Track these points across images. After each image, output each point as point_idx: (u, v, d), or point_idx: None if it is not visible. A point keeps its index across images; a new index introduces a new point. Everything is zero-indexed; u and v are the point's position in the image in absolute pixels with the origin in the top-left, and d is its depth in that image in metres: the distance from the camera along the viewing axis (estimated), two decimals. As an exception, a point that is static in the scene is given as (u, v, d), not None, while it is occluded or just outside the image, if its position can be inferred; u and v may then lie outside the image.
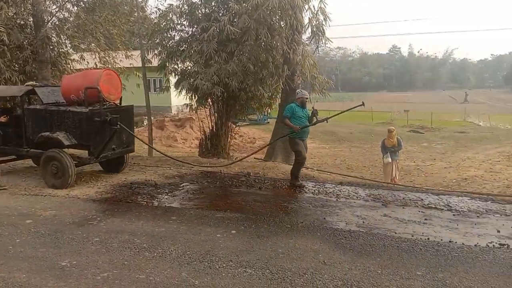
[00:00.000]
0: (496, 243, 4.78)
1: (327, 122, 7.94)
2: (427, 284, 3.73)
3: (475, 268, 4.09)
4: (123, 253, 4.48)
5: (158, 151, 9.65)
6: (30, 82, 9.19)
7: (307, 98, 7.66)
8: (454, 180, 11.41)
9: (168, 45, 10.64)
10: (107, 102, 7.44)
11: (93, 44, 15.23)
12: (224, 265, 4.15)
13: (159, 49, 10.74)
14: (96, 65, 15.81)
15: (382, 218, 5.75)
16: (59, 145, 7.27)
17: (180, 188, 7.46)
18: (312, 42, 10.05)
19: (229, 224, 5.38)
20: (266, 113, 25.43)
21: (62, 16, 14.21)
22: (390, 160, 10.51)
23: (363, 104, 7.94)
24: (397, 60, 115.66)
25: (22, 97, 7.94)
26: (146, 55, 12.74)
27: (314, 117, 7.59)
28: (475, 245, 4.70)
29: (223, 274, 3.96)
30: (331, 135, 23.72)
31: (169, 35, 10.70)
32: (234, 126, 12.90)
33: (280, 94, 11.16)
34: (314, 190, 7.35)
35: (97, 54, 15.41)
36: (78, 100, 7.42)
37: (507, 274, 3.97)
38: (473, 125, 31.60)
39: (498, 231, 5.18)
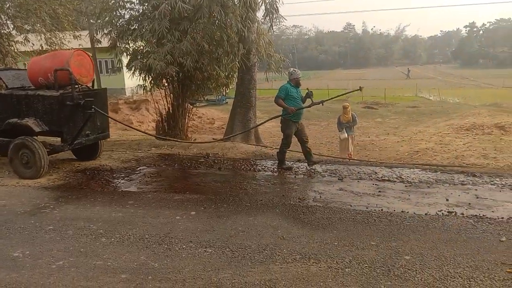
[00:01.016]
0: (445, 211, 5.04)
1: (322, 104, 7.77)
2: (381, 253, 3.90)
3: (426, 236, 4.30)
4: (79, 240, 4.36)
5: (147, 134, 9.12)
6: None
7: (300, 77, 7.42)
8: (406, 153, 11.88)
9: (118, 24, 10.20)
10: (79, 85, 6.99)
11: (38, 25, 14.38)
12: (184, 246, 4.14)
13: (109, 29, 10.29)
14: (42, 47, 14.99)
15: (338, 192, 5.91)
16: (29, 132, 6.78)
17: (137, 172, 7.30)
18: (266, 20, 9.97)
19: (188, 206, 5.35)
20: (224, 93, 25.27)
21: (1, -6, 13.27)
22: (346, 135, 10.76)
23: (360, 89, 7.92)
24: (351, 38, 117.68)
25: None
26: (95, 35, 12.18)
27: (309, 99, 7.36)
28: (425, 214, 4.94)
29: (183, 255, 3.95)
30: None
31: (118, 14, 10.26)
32: (191, 107, 12.69)
33: (236, 74, 11.06)
34: (273, 168, 7.42)
35: (42, 35, 14.59)
36: (47, 84, 6.96)
37: (454, 239, 4.21)
38: (424, 99, 32.86)
39: (447, 200, 5.46)
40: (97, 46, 15.48)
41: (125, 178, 6.87)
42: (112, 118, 8.43)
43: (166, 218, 4.94)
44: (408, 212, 5.01)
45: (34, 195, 5.98)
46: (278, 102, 7.21)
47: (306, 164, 7.50)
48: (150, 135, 9.23)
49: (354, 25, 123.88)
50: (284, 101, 7.14)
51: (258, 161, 8.07)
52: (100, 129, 7.54)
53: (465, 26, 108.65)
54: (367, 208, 5.20)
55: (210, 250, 4.03)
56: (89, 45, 16.71)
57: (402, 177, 6.65)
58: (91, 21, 13.89)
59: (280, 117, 7.49)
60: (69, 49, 7.85)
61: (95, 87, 8.23)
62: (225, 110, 20.51)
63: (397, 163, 8.34)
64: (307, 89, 7.37)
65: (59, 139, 7.28)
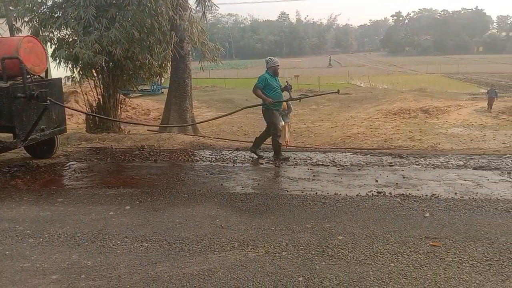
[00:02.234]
0: (374, 191, 5.32)
1: (299, 101, 7.68)
2: (315, 235, 4.04)
3: (357, 216, 4.52)
4: (3, 243, 4.06)
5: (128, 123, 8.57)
6: None
7: (278, 66, 7.22)
8: (339, 138, 12.37)
9: (40, 12, 9.55)
10: (31, 75, 6.35)
11: None
12: (118, 242, 4.00)
13: (30, 16, 9.59)
14: (-47, 36, 13.64)
15: (275, 179, 6.03)
16: None
17: (66, 168, 6.93)
18: (199, 8, 9.82)
19: (122, 201, 5.17)
20: (159, 83, 24.64)
21: None
22: (283, 123, 10.95)
23: (338, 91, 7.87)
24: (286, 27, 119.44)
25: None
26: (14, 23, 11.30)
27: (288, 92, 7.27)
28: (356, 195, 5.18)
29: (118, 251, 3.82)
30: (228, 103, 23.90)
31: (40, 0, 9.59)
32: (124, 98, 12.24)
33: (170, 63, 10.82)
34: (211, 157, 7.38)
35: (-48, 22, 13.29)
36: None
37: (383, 218, 4.45)
38: (355, 86, 34.31)
39: (376, 181, 5.76)
40: (17, 35, 14.31)
41: (54, 175, 6.49)
42: (74, 109, 7.73)
43: (98, 214, 4.74)
44: (340, 194, 5.22)
45: (-51, 198, 5.47)
46: (257, 93, 6.99)
47: (244, 152, 7.54)
48: (144, 124, 8.55)
49: (288, 14, 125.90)
50: (263, 91, 6.97)
51: (196, 151, 7.99)
52: (56, 123, 6.93)
53: (392, 16, 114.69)
54: (302, 192, 5.35)
55: (147, 244, 3.93)
56: (8, 34, 15.46)
57: (335, 161, 6.91)
58: (9, 8, 12.82)
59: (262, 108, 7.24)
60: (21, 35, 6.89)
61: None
62: (161, 100, 20.02)
63: (330, 148, 8.65)
64: (286, 82, 7.23)
65: (10, 135, 6.56)
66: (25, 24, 10.02)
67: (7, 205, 5.15)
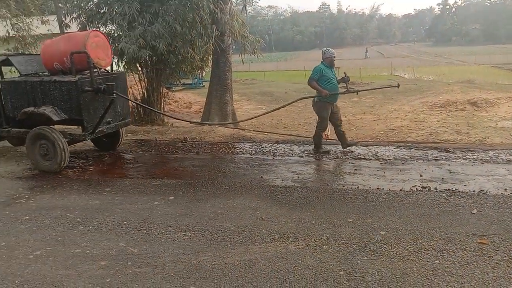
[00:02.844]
0: (418, 186, 5.18)
1: (357, 94, 7.56)
2: (357, 229, 3.99)
3: (400, 211, 4.42)
4: (56, 230, 4.30)
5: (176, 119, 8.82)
6: (3, 51, 8.03)
7: (335, 57, 7.00)
8: (382, 132, 12.06)
9: (87, 8, 9.92)
10: (97, 69, 6.49)
11: (3, 10, 13.84)
12: (163, 231, 4.14)
13: (78, 12, 9.98)
14: (9, 33, 14.45)
15: (316, 172, 5.99)
16: (47, 121, 6.28)
17: (113, 158, 7.20)
18: (239, 0, 9.85)
19: (166, 191, 5.33)
20: (200, 77, 24.98)
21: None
22: None
23: (398, 85, 7.64)
24: (327, 18, 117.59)
25: None
26: (63, 19, 11.80)
27: (345, 84, 7.10)
28: (400, 190, 5.06)
29: (162, 240, 3.95)
30: (268, 96, 23.89)
31: (87, -3, 9.96)
32: (167, 91, 12.52)
33: (211, 56, 10.94)
34: (251, 150, 7.44)
35: (8, 20, 14.05)
36: (63, 69, 6.45)
37: (428, 214, 4.33)
38: (399, 78, 33.25)
39: (421, 176, 5.59)
40: (66, 31, 14.93)
41: (102, 165, 6.78)
42: (136, 103, 7.93)
43: (144, 204, 4.91)
44: (383, 188, 5.12)
45: (9, 186, 5.84)
46: (312, 84, 6.81)
47: (283, 145, 7.53)
48: (185, 121, 8.69)
49: (329, 5, 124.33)
50: (318, 82, 6.81)
51: (236, 144, 8.07)
52: (121, 116, 7.04)
53: (438, 4, 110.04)
54: (343, 186, 5.29)
55: (190, 234, 4.04)
56: (57, 30, 16.16)
57: (378, 155, 6.77)
58: (59, 5, 13.40)
59: (313, 99, 7.11)
60: (88, 30, 6.92)
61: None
62: (202, 94, 20.30)
63: (373, 142, 8.48)
64: (344, 73, 7.08)
65: (77, 127, 6.83)
66: (73, 20, 10.44)
67: (59, 193, 5.43)
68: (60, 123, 6.57)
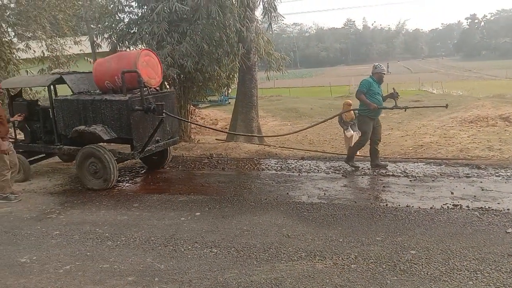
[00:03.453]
0: (450, 204, 5.03)
1: (405, 110, 7.41)
2: (386, 248, 3.89)
3: (431, 230, 4.29)
4: (85, 244, 4.38)
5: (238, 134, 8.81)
6: (57, 70, 8.37)
7: (384, 74, 6.97)
8: (410, 148, 11.81)
9: (118, 28, 10.23)
10: (148, 88, 6.45)
11: (39, 32, 14.48)
12: (189, 247, 4.15)
13: (109, 33, 10.32)
14: (44, 53, 15.07)
15: (343, 189, 5.90)
16: (97, 140, 6.38)
17: (141, 175, 7.33)
18: (265, 18, 9.96)
19: (193, 207, 5.36)
20: (226, 94, 25.26)
21: (1, 2, 13.36)
22: (352, 133, 10.66)
23: (446, 106, 7.48)
24: (352, 34, 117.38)
25: (49, 88, 6.86)
26: (95, 39, 12.23)
27: (393, 100, 6.96)
28: (430, 208, 4.92)
29: (189, 256, 3.96)
30: (293, 112, 23.88)
31: (118, 18, 10.29)
32: (194, 108, 12.72)
33: (237, 74, 11.07)
34: (277, 166, 7.42)
35: (43, 41, 14.68)
36: (114, 88, 6.49)
37: (460, 232, 4.19)
38: (427, 93, 32.70)
39: (452, 193, 5.43)
40: (97, 51, 15.46)
41: (130, 181, 6.90)
42: (184, 120, 8.03)
43: (171, 219, 4.95)
44: (413, 206, 5.00)
45: (40, 201, 6.01)
46: (360, 98, 6.75)
47: (309, 161, 7.48)
48: (225, 132, 8.74)
49: (354, 21, 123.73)
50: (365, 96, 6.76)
51: (261, 160, 8.07)
52: (169, 134, 7.05)
53: (466, 18, 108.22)
54: (371, 203, 5.19)
55: (216, 250, 4.03)
56: (89, 50, 16.75)
57: (407, 171, 6.63)
58: (91, 26, 13.92)
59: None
60: (139, 49, 7.03)
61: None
62: (228, 111, 20.49)
63: (401, 158, 8.31)
64: (393, 89, 7.01)
65: (125, 145, 6.84)
66: (105, 40, 10.80)
67: (89, 209, 5.55)
68: (109, 142, 6.62)
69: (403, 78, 47.00)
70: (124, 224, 4.90)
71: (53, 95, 7.03)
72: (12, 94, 7.63)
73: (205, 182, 6.67)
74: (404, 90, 35.46)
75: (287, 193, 5.80)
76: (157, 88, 6.96)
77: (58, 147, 6.92)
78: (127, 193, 6.22)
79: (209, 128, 9.95)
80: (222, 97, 26.20)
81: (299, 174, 6.82)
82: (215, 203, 5.47)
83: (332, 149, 11.82)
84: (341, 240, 4.13)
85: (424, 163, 7.21)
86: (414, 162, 7.37)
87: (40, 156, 7.60)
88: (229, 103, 26.09)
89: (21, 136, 7.79)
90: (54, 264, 3.95)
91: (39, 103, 7.35)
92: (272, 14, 9.61)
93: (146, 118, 6.35)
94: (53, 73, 7.43)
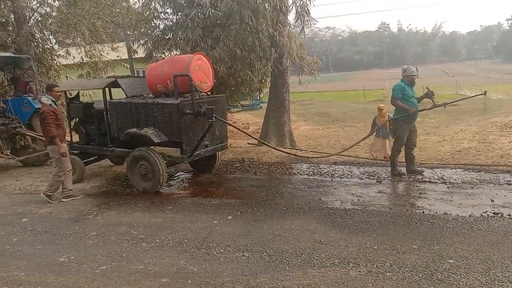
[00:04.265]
0: (490, 212, 4.83)
1: (445, 107, 7.25)
2: (423, 256, 3.77)
3: (470, 238, 4.13)
4: (120, 245, 4.48)
5: (270, 146, 8.55)
6: (111, 73, 8.72)
7: (416, 76, 6.80)
8: (448, 153, 11.43)
9: (153, 34, 10.49)
10: (199, 92, 6.46)
11: (78, 38, 15.04)
12: (221, 250, 4.17)
13: (145, 39, 10.59)
14: (83, 59, 15.61)
15: (377, 195, 5.78)
16: (147, 143, 6.47)
17: (175, 178, 7.45)
18: (297, 23, 9.94)
19: (225, 210, 5.39)
20: (258, 98, 25.34)
21: (44, 11, 13.98)
22: (380, 137, 10.27)
23: (484, 93, 7.38)
24: (386, 37, 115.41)
25: (104, 91, 7.03)
26: (131, 46, 12.57)
27: (430, 99, 6.83)
28: (469, 216, 4.75)
29: (221, 259, 3.98)
30: (325, 116, 23.63)
31: (153, 24, 10.55)
32: (226, 112, 12.80)
33: (269, 78, 11.08)
34: (309, 171, 7.37)
35: (82, 48, 15.22)
36: (166, 91, 6.57)
37: (501, 241, 4.01)
38: (465, 97, 31.68)
39: (492, 201, 5.23)
40: (134, 57, 15.89)
41: (164, 184, 7.01)
42: (233, 126, 8.20)
43: (204, 222, 5.00)
44: (451, 214, 4.83)
45: (78, 202, 6.21)
46: (397, 104, 6.63)
47: (342, 166, 7.38)
48: (264, 143, 8.76)
49: (388, 24, 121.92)
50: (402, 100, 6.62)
51: (293, 164, 8.04)
52: (218, 139, 7.06)
53: (507, 19, 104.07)
54: (407, 210, 5.06)
55: (248, 255, 4.04)
56: (126, 56, 17.23)
57: (444, 177, 6.43)
58: (128, 32, 14.32)
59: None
60: (192, 53, 7.08)
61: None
62: (260, 115, 20.52)
63: (438, 164, 8.07)
64: (427, 88, 6.87)
65: (173, 149, 6.91)
66: (141, 47, 11.08)
67: (124, 211, 5.69)
68: (160, 145, 6.71)
69: (440, 82, 45.66)
70: (158, 226, 4.99)
71: (107, 98, 7.17)
72: (70, 96, 7.85)
73: (237, 186, 6.70)
74: (441, 94, 34.44)
75: (320, 199, 5.74)
76: (208, 92, 6.98)
77: (110, 149, 7.07)
78: (162, 196, 6.33)
79: (253, 137, 9.83)
80: (253, 101, 26.30)
81: (331, 179, 6.74)
82: (247, 207, 5.48)
83: (366, 154, 11.60)
84: (375, 247, 4.04)
85: (462, 170, 6.98)
86: (452, 168, 7.14)
87: (94, 157, 7.77)
88: (261, 107, 26.15)
89: (76, 138, 8.04)
90: (91, 264, 4.06)
91: (94, 105, 7.55)
92: (305, 18, 9.58)
93: (196, 122, 6.38)
94: (108, 77, 7.63)
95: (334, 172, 7.15)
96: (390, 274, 3.50)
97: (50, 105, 6.13)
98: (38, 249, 4.52)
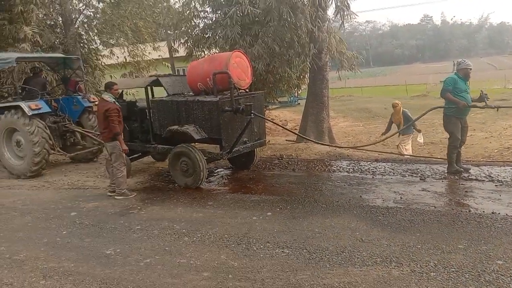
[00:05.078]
0: (543, 212, 4.60)
1: (497, 110, 6.89)
2: (469, 257, 3.64)
3: (521, 239, 3.95)
4: (164, 239, 4.61)
5: (314, 141, 8.73)
6: (154, 72, 9.04)
7: (471, 69, 6.47)
8: (495, 150, 10.94)
9: (193, 33, 10.66)
10: (237, 89, 6.51)
11: (121, 39, 15.54)
12: (261, 246, 4.20)
13: (185, 38, 10.78)
14: (126, 59, 16.11)
15: (421, 193, 5.63)
16: (188, 139, 6.63)
17: (215, 174, 7.56)
18: (337, 17, 9.79)
19: (264, 207, 5.42)
20: (296, 95, 25.22)
21: (89, 13, 14.54)
22: (388, 133, 9.84)
23: None
24: (429, 30, 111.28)
25: (146, 89, 7.23)
26: (172, 45, 12.85)
27: (484, 102, 6.49)
28: (520, 215, 4.54)
29: (261, 255, 4.01)
30: (365, 112, 23.21)
31: (193, 23, 10.72)
32: (265, 109, 12.83)
33: (308, 74, 11.01)
34: (349, 168, 7.27)
35: (125, 48, 15.71)
36: (206, 89, 6.69)
37: (556, 243, 3.81)
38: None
39: (545, 200, 4.96)
40: (174, 56, 16.22)
41: (205, 180, 7.13)
42: (272, 122, 8.24)
43: (243, 218, 5.05)
44: (499, 213, 4.63)
45: (123, 197, 6.43)
46: (447, 97, 6.34)
47: (384, 163, 7.23)
48: (303, 137, 8.82)
49: (431, 16, 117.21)
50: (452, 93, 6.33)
51: (332, 161, 7.95)
52: (257, 136, 7.11)
53: None
54: (453, 209, 4.90)
55: (287, 251, 4.05)
56: (167, 55, 17.63)
57: (492, 175, 6.17)
58: (169, 32, 14.64)
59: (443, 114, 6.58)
60: (231, 51, 7.18)
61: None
62: (298, 111, 20.45)
63: (485, 161, 7.74)
64: (481, 91, 6.56)
65: (212, 145, 7.07)
66: (181, 45, 11.30)
67: (167, 206, 5.84)
68: (200, 142, 6.86)
69: (486, 75, 43.59)
70: (200, 221, 5.09)
71: (150, 96, 7.37)
72: None
73: (276, 182, 6.72)
74: (488, 88, 32.92)
75: (360, 196, 5.66)
76: (247, 89, 7.04)
77: (153, 146, 7.28)
78: (202, 192, 6.44)
79: (293, 132, 9.83)
80: (291, 98, 26.19)
81: (372, 177, 6.62)
82: (286, 204, 5.48)
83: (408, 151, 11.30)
84: (419, 246, 3.94)
85: (511, 167, 6.65)
86: (500, 166, 6.83)
87: (137, 154, 8.01)
88: (299, 103, 26.01)
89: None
90: (135, 257, 4.20)
91: (137, 104, 7.80)
92: (345, 12, 9.43)
93: (235, 119, 6.47)
94: (150, 76, 7.84)
95: (375, 169, 7.01)
96: (434, 274, 3.41)
97: (114, 102, 6.36)
98: (86, 241, 4.74)
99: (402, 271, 3.50)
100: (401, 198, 5.45)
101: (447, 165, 6.64)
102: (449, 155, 6.55)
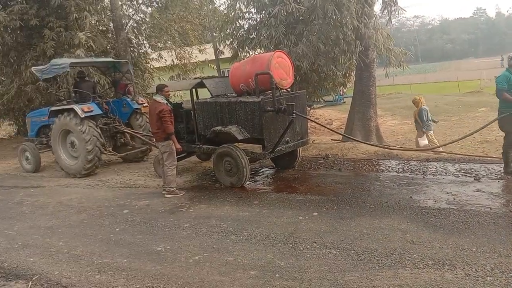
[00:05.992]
0: None
1: None
2: (531, 262, 3.44)
3: None
4: (211, 237, 4.70)
5: (357, 140, 8.73)
6: (198, 75, 9.40)
7: None
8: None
9: (238, 35, 10.78)
10: (279, 89, 6.54)
11: (169, 42, 16.00)
12: (308, 246, 4.18)
13: (230, 40, 10.93)
14: (173, 62, 16.55)
15: (475, 194, 5.37)
16: (231, 139, 6.77)
17: (260, 174, 7.61)
18: (384, 13, 9.55)
19: (310, 207, 5.39)
20: (341, 93, 24.82)
21: (138, 18, 15.08)
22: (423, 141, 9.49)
23: None
24: (482, 23, 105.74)
25: (191, 91, 7.41)
26: (218, 47, 13.05)
27: None
28: None
29: (308, 255, 3.99)
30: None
31: (238, 25, 10.83)
32: (309, 109, 12.77)
33: (354, 72, 10.81)
34: (398, 168, 7.07)
35: (173, 51, 16.14)
36: (248, 90, 6.78)
37: None
38: None
39: None
40: (220, 57, 16.48)
41: (250, 180, 7.19)
42: (314, 121, 8.24)
43: (289, 218, 5.05)
44: None
45: (172, 196, 6.61)
46: (504, 97, 5.96)
47: (435, 163, 6.96)
48: (348, 137, 8.83)
49: (485, 9, 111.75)
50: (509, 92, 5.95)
51: (381, 161, 7.76)
52: (299, 135, 7.16)
53: None
54: (510, 211, 4.64)
55: (335, 252, 4.00)
56: (213, 57, 17.96)
57: (555, 176, 5.78)
58: (214, 34, 14.89)
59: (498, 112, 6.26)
60: (272, 51, 7.20)
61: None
62: (343, 110, 20.13)
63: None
64: None
65: (255, 145, 7.20)
66: (227, 47, 11.45)
67: (214, 204, 5.95)
68: (243, 142, 6.98)
69: (548, 69, 40.80)
70: (246, 220, 5.14)
71: (194, 98, 7.54)
72: None
73: (321, 182, 6.65)
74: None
75: (411, 197, 5.48)
76: (288, 89, 7.07)
77: (198, 146, 7.46)
78: (248, 191, 6.50)
79: (336, 132, 9.69)
80: (336, 96, 25.80)
81: (423, 177, 6.39)
82: (333, 204, 5.42)
83: (461, 150, 10.81)
84: (474, 249, 3.77)
85: None
86: None
87: (183, 154, 8.17)
88: (344, 102, 25.57)
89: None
90: (185, 254, 4.32)
91: (182, 105, 8.01)
92: (392, 8, 9.18)
93: (277, 119, 6.51)
94: (195, 78, 8.04)
95: (426, 169, 6.77)
96: (491, 278, 3.25)
97: (167, 104, 6.61)
98: (137, 238, 4.92)
99: (455, 274, 3.36)
100: (454, 199, 5.23)
101: (503, 165, 6.29)
102: (504, 156, 6.20)
